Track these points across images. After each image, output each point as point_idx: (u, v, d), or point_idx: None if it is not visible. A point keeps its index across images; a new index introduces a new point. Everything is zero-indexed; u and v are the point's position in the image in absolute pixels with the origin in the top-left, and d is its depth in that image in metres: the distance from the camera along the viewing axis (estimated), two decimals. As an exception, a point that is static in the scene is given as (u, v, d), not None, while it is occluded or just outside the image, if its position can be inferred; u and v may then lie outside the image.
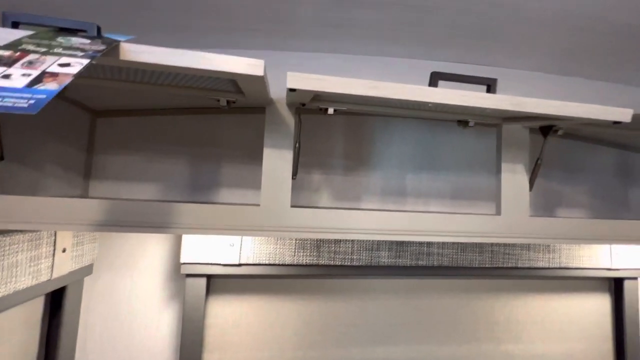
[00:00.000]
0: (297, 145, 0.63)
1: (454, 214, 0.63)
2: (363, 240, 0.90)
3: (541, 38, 0.67)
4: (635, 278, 1.09)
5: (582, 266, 1.03)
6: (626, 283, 1.09)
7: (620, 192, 1.15)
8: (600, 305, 1.11)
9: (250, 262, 0.85)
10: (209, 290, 0.88)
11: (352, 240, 0.90)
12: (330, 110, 0.63)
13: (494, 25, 0.65)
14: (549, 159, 1.09)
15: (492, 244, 0.99)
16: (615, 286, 1.11)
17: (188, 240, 0.83)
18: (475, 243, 0.97)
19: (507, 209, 0.68)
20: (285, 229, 0.57)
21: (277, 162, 0.60)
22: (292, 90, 0.47)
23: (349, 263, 0.90)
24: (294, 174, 0.62)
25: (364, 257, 0.91)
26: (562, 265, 1.02)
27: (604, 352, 1.08)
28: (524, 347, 1.05)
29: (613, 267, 1.06)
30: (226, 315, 0.89)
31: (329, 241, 0.89)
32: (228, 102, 0.60)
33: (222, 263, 0.83)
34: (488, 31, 0.68)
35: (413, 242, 0.93)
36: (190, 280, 0.83)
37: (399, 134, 0.99)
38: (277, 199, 0.59)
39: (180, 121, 0.87)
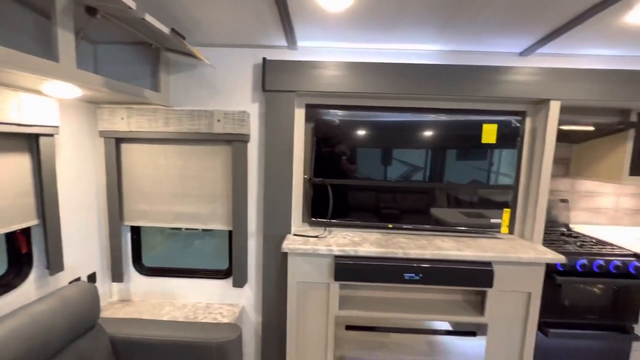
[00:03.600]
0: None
1: None
2: None
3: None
4: (52, 135, 1.04)
5: None
6: (42, 140, 1.03)
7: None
8: (19, 164, 1.06)
9: None
10: None
11: None
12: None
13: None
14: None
15: None
16: (33, 144, 1.07)
17: None
18: None
19: None
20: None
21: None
22: None
23: None
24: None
25: None
26: None
27: (24, 204, 1.10)
28: None
29: (24, 123, 0.94)
30: None
31: None
32: None
33: None
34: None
35: None
36: None
37: None
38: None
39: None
